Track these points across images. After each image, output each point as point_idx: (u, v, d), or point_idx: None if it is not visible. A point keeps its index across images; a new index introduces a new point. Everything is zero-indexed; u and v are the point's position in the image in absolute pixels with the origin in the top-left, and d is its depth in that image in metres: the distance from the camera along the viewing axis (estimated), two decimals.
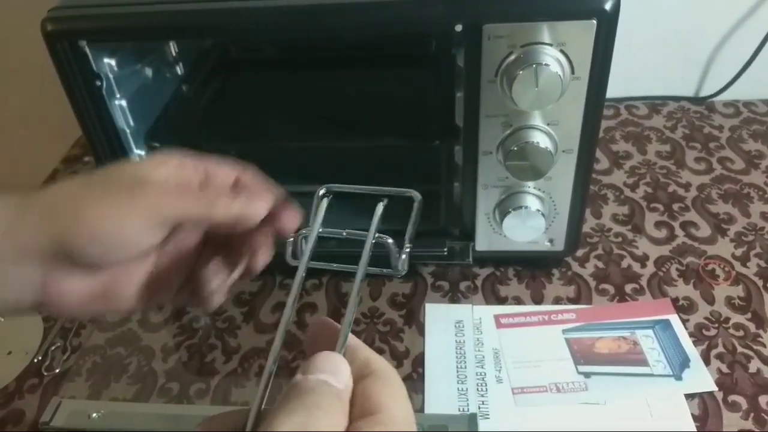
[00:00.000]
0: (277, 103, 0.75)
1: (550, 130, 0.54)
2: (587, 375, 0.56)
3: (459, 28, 0.50)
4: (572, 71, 0.51)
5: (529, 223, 0.58)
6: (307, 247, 0.35)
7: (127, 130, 0.61)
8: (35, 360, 0.61)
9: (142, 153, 0.63)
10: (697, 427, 0.50)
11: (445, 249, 0.63)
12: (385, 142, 0.66)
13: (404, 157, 0.74)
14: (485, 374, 0.57)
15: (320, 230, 0.36)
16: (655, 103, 0.93)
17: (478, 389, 0.55)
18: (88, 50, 0.54)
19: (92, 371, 0.60)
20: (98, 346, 0.62)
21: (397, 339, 0.60)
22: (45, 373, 0.60)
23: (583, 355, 0.58)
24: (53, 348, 0.62)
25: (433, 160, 0.74)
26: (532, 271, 0.66)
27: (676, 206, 0.74)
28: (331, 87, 0.78)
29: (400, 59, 0.81)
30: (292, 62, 0.83)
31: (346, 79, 0.80)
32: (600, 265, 0.67)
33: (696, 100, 0.93)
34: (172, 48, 0.72)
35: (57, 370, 0.60)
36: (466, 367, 0.57)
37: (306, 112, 0.72)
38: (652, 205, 0.75)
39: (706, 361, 0.56)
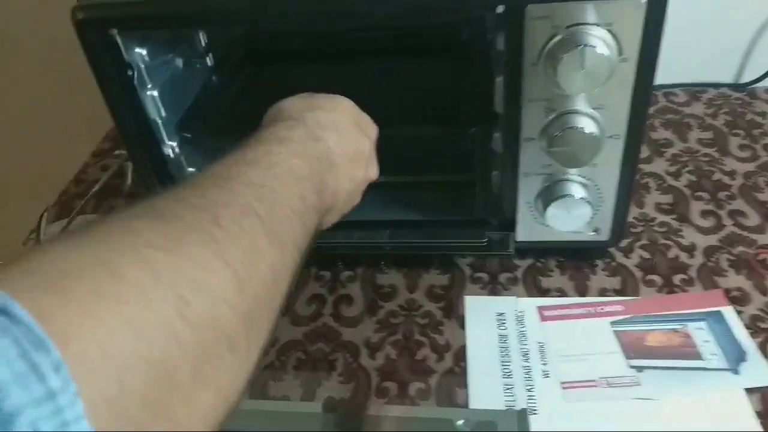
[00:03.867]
0: (306, 92, 0.73)
1: (596, 114, 0.52)
2: (639, 369, 0.54)
3: (500, 9, 0.48)
4: (620, 52, 0.48)
5: (574, 212, 0.56)
6: None
7: (159, 121, 0.60)
8: None
9: (174, 144, 0.63)
10: (762, 425, 0.48)
11: (485, 240, 0.61)
12: (419, 131, 0.64)
13: (437, 145, 0.72)
14: (531, 368, 0.55)
15: None
16: (695, 90, 0.90)
17: (524, 384, 0.53)
18: (119, 39, 0.53)
19: None
20: None
21: (437, 332, 0.59)
22: None
23: (633, 349, 0.56)
24: None
25: (467, 148, 0.73)
26: (574, 262, 0.64)
27: (722, 194, 0.71)
28: (360, 77, 0.77)
29: (430, 49, 0.79)
30: (320, 52, 0.81)
31: (376, 69, 0.78)
32: (645, 255, 0.65)
33: (736, 86, 0.90)
34: (202, 38, 0.71)
35: None
36: (510, 361, 0.55)
37: None
38: (696, 193, 0.72)
39: (765, 354, 0.53)
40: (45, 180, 0.87)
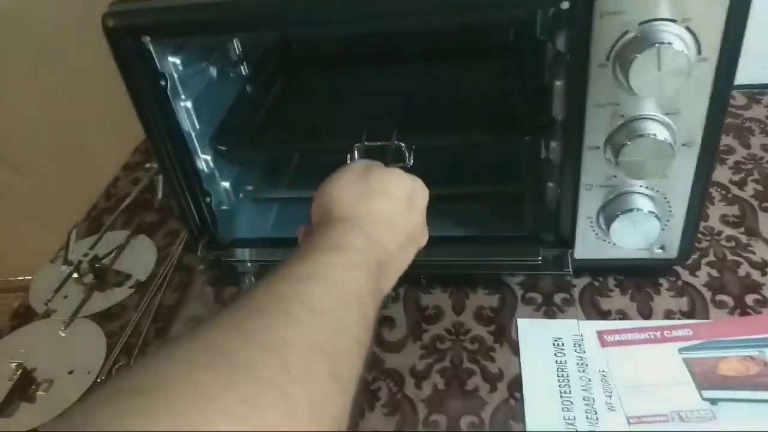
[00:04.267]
0: (344, 100, 0.70)
1: (669, 120, 0.47)
2: (714, 401, 0.49)
3: (566, 5, 0.44)
4: (699, 51, 0.44)
5: (641, 228, 0.51)
6: None
7: (193, 133, 0.57)
8: (98, 380, 0.57)
9: (209, 158, 0.59)
10: None
11: (540, 257, 0.56)
12: (469, 139, 0.60)
13: (481, 154, 0.68)
14: (594, 400, 0.50)
15: None
16: (753, 92, 0.84)
17: (587, 417, 0.49)
18: (151, 47, 0.50)
19: None
20: None
21: (488, 359, 0.54)
22: None
23: (706, 378, 0.50)
24: (117, 366, 0.58)
25: (516, 158, 0.68)
26: (635, 280, 0.59)
27: None
28: (399, 82, 0.73)
29: (474, 51, 0.75)
30: (357, 58, 0.78)
31: (417, 72, 0.74)
32: (714, 273, 0.59)
33: None
34: (236, 47, 0.68)
35: None
36: (570, 392, 0.51)
37: (375, 109, 0.67)
38: (764, 204, 0.66)
39: None
40: (77, 191, 0.85)
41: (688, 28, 0.43)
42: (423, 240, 0.46)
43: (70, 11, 0.98)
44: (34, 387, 0.58)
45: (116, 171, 0.88)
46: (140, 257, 0.71)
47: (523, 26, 0.71)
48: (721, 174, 0.71)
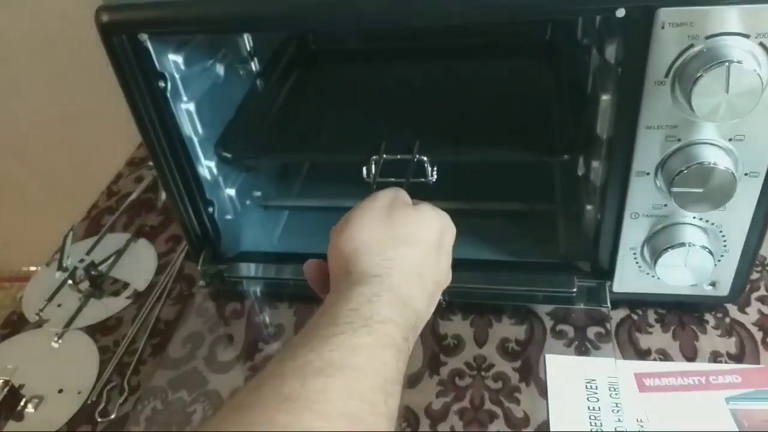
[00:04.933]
0: (362, 101, 0.64)
1: (732, 147, 0.41)
2: None
3: (621, 13, 0.38)
4: None
5: (692, 264, 0.45)
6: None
7: (195, 138, 0.52)
8: (89, 401, 0.53)
9: (212, 164, 0.54)
10: None
11: (574, 289, 0.51)
12: (499, 156, 0.54)
13: (513, 170, 0.62)
14: None
15: None
16: None
17: None
18: (149, 45, 0.44)
19: (152, 419, 0.51)
20: (159, 388, 0.53)
21: (513, 400, 0.49)
22: (99, 419, 0.52)
23: None
24: (109, 388, 0.54)
25: (551, 171, 0.62)
26: (678, 315, 0.53)
27: None
28: (424, 82, 0.67)
29: (505, 48, 0.69)
30: (379, 54, 0.72)
31: (443, 72, 0.68)
32: (765, 310, 0.53)
33: None
34: (247, 42, 0.62)
35: (112, 416, 0.52)
36: None
37: (396, 113, 0.61)
38: None
39: None
40: (84, 183, 0.81)
41: (762, 45, 0.37)
42: (448, 281, 0.41)
43: (77, 0, 0.94)
44: (22, 404, 0.54)
45: (123, 162, 0.83)
46: (140, 264, 0.66)
47: (562, 23, 0.64)
48: None
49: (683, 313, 0.53)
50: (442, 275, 0.40)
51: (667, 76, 0.39)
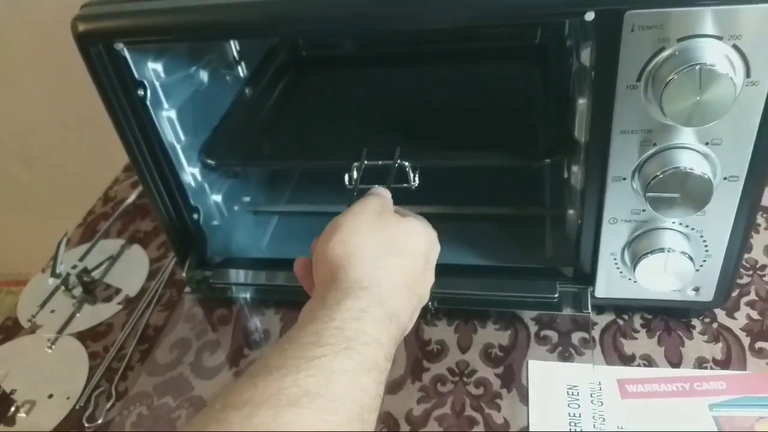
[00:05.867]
0: (350, 110, 0.64)
1: (709, 151, 0.40)
2: None
3: (590, 16, 0.37)
4: (747, 74, 0.37)
5: (672, 269, 0.45)
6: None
7: (177, 146, 0.52)
8: (77, 407, 0.54)
9: (196, 171, 0.55)
10: None
11: (556, 294, 0.50)
12: (478, 160, 0.54)
13: (501, 172, 0.62)
14: None
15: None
16: None
17: None
18: (127, 53, 0.45)
19: (137, 425, 0.52)
20: (145, 394, 0.54)
21: (494, 407, 0.49)
22: (86, 425, 0.52)
23: None
24: (97, 393, 0.55)
25: (540, 174, 0.62)
26: (665, 320, 0.53)
27: None
28: (412, 86, 0.67)
29: (496, 53, 0.69)
30: (370, 60, 0.72)
31: (432, 76, 0.68)
32: (754, 315, 0.53)
33: None
34: (233, 47, 0.62)
35: (99, 421, 0.52)
36: None
37: (381, 118, 0.61)
38: None
39: None
40: (88, 185, 0.82)
41: (735, 47, 0.36)
42: (426, 298, 0.40)
43: (77, 3, 0.95)
44: (14, 409, 0.55)
45: (117, 172, 0.84)
46: (132, 270, 0.67)
47: (553, 27, 0.64)
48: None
49: (670, 319, 0.53)
50: (426, 291, 0.39)
51: (639, 80, 0.38)
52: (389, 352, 0.33)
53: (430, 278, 0.40)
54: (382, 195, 0.42)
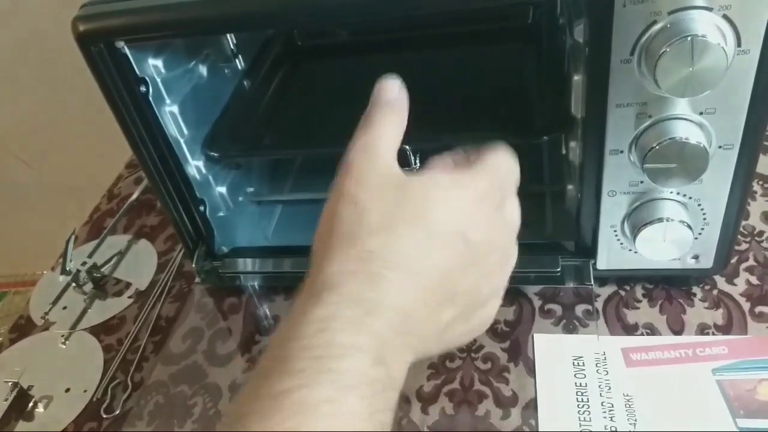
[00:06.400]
0: (351, 95, 0.64)
1: (704, 121, 0.41)
2: None
3: None
4: (738, 43, 0.38)
5: (672, 238, 0.46)
6: None
7: (181, 140, 0.53)
8: (94, 399, 0.55)
9: (200, 164, 0.56)
10: None
11: (558, 268, 0.51)
12: (482, 141, 0.54)
13: None
14: (617, 429, 0.45)
15: None
16: None
17: None
18: (128, 51, 0.46)
19: (155, 414, 0.53)
20: (161, 383, 0.55)
21: (502, 380, 0.50)
22: (104, 416, 0.54)
23: (742, 405, 0.45)
24: (113, 385, 0.56)
25: (539, 151, 0.63)
26: (666, 289, 0.54)
27: None
28: (411, 72, 0.67)
29: (489, 34, 0.69)
30: (365, 46, 0.72)
31: (428, 62, 0.69)
32: (753, 280, 0.54)
33: None
34: (230, 40, 0.63)
35: (117, 412, 0.54)
36: (591, 420, 0.46)
37: None
38: None
39: None
40: (90, 185, 0.83)
41: (726, 17, 0.37)
42: (484, 304, 0.33)
43: (76, 3, 0.95)
44: (32, 405, 0.57)
45: (120, 169, 0.85)
46: (141, 264, 0.68)
47: (543, 5, 0.64)
48: (765, 164, 0.65)
49: (671, 287, 0.54)
50: (478, 293, 0.32)
51: (632, 53, 0.39)
52: (378, 355, 0.27)
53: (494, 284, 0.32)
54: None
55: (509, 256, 0.35)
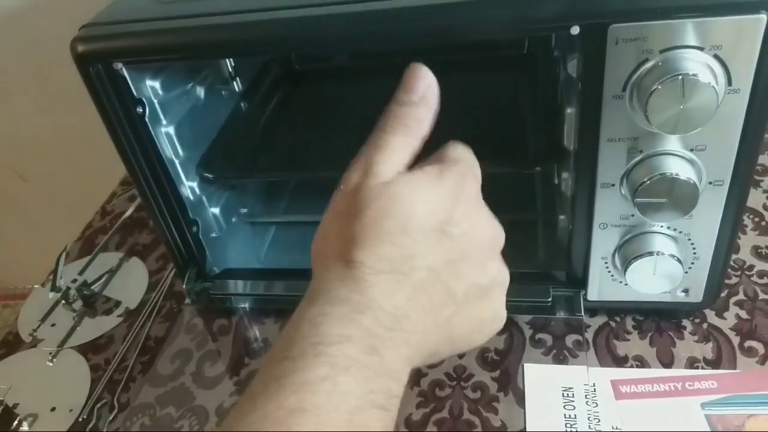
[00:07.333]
0: (347, 120, 0.66)
1: (695, 157, 0.42)
2: None
3: (576, 30, 0.39)
4: (729, 82, 0.38)
5: (662, 272, 0.46)
6: None
7: (176, 160, 0.53)
8: (80, 419, 0.55)
9: (194, 184, 0.56)
10: None
11: (550, 298, 0.51)
12: None
13: (492, 179, 0.63)
14: None
15: None
16: None
17: None
18: (126, 72, 0.46)
19: None
20: (147, 404, 0.55)
21: (491, 410, 0.50)
22: None
23: None
24: (99, 405, 0.55)
25: (532, 180, 0.63)
26: (656, 321, 0.54)
27: None
28: None
29: (485, 63, 0.70)
30: (363, 71, 0.73)
31: None
32: (743, 315, 0.54)
33: None
34: (228, 63, 0.64)
35: None
36: None
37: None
38: None
39: None
40: (86, 201, 0.83)
41: (716, 57, 0.38)
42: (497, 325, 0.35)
43: (75, 17, 0.96)
44: (16, 423, 0.56)
45: (114, 186, 0.85)
46: (131, 282, 0.68)
47: (538, 39, 0.65)
48: (755, 198, 0.65)
49: (661, 320, 0.54)
50: (466, 286, 0.33)
51: (624, 90, 0.40)
52: (369, 344, 0.28)
53: (482, 267, 0.33)
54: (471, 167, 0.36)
55: (496, 241, 0.36)
